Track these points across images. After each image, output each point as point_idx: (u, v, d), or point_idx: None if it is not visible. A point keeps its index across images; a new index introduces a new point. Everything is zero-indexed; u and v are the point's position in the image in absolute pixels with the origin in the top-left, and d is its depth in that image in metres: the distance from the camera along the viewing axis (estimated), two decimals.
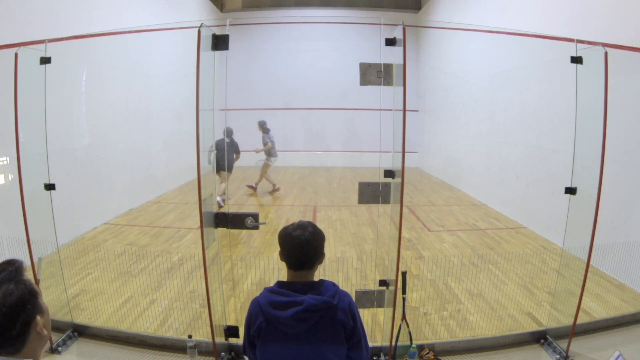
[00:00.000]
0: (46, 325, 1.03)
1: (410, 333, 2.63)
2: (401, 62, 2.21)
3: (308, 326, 1.48)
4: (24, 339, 0.96)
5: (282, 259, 1.63)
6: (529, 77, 5.64)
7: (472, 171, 7.95)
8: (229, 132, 6.96)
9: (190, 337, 2.63)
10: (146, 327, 2.98)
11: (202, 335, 2.79)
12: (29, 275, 1.06)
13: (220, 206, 6.91)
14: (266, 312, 1.51)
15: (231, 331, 2.71)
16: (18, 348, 0.96)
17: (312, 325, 1.49)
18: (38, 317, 0.99)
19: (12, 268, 1.00)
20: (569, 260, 2.79)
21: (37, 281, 2.64)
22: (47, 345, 2.67)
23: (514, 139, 6.17)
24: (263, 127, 7.90)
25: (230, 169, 6.90)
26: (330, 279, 1.64)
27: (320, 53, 11.63)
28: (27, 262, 2.61)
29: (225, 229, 2.51)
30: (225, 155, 6.37)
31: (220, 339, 2.63)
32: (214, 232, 2.51)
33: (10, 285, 0.96)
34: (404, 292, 2.59)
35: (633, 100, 3.64)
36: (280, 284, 1.57)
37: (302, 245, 1.55)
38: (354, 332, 1.55)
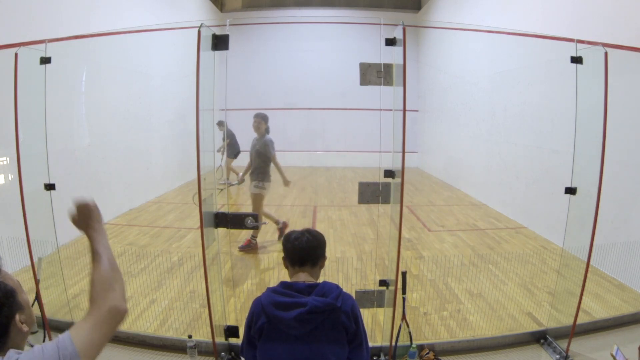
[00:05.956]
0: (27, 319, 1.00)
1: (410, 333, 2.63)
2: (401, 62, 2.21)
3: (310, 328, 1.48)
4: (5, 339, 0.94)
5: (285, 265, 1.66)
6: (529, 77, 5.63)
7: (472, 171, 7.95)
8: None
9: (190, 337, 2.63)
10: (146, 327, 2.98)
11: (202, 335, 2.79)
12: (19, 275, 1.03)
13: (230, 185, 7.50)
14: (269, 312, 1.51)
15: (231, 331, 2.71)
16: (0, 347, 0.94)
17: (315, 327, 1.49)
18: (17, 316, 0.97)
19: None
20: (569, 260, 2.79)
21: (37, 281, 2.64)
22: None
23: (514, 139, 6.16)
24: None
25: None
26: (330, 279, 1.64)
27: (320, 53, 11.62)
28: (27, 262, 2.63)
29: (225, 229, 2.51)
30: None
31: (220, 339, 2.63)
32: (214, 232, 2.50)
33: None
34: (404, 292, 2.59)
35: (633, 100, 3.64)
36: (284, 284, 1.57)
37: (305, 241, 1.63)
38: (356, 335, 1.56)
